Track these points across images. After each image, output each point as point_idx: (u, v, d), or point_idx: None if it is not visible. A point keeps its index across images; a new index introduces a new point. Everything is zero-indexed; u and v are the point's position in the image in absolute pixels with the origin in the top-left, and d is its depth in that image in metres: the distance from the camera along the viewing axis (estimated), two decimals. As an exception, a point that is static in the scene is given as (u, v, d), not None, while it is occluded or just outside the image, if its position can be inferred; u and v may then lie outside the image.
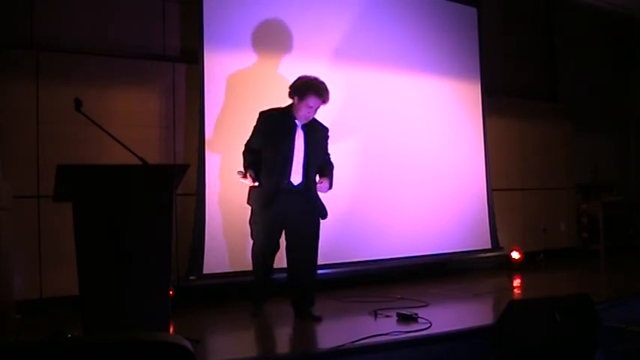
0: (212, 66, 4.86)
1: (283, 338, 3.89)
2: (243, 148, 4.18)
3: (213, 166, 4.81)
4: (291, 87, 4.08)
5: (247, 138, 4.18)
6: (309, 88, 3.98)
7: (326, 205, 5.01)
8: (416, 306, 4.26)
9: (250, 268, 4.72)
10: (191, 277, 4.63)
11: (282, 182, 3.98)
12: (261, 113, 4.12)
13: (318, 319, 3.99)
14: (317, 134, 4.17)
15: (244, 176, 3.96)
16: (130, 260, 2.96)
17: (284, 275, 4.20)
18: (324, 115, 5.13)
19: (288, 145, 4.00)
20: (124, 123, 4.51)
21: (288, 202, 3.98)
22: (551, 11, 7.76)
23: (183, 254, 4.69)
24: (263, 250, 4.11)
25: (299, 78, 4.10)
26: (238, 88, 4.98)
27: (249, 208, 4.17)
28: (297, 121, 4.04)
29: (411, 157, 5.93)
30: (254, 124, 4.15)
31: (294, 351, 3.51)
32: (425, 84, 6.11)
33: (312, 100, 3.98)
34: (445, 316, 4.12)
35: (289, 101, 4.13)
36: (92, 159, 4.14)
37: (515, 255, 6.51)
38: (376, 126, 5.71)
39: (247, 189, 4.12)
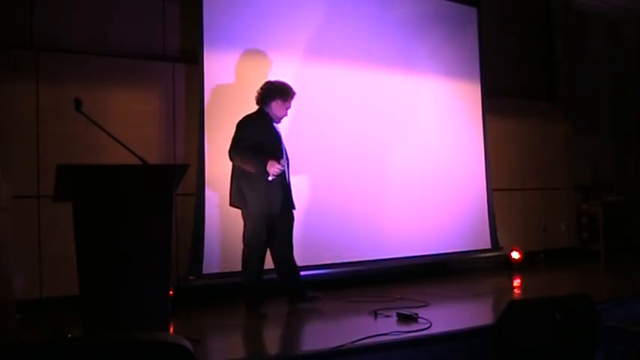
0: (212, 66, 4.86)
1: (283, 338, 3.89)
2: (234, 153, 4.23)
3: (213, 166, 4.80)
4: (270, 90, 4.37)
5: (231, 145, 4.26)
6: (290, 92, 4.40)
7: (326, 205, 5.06)
8: (416, 306, 4.25)
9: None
10: (191, 277, 4.63)
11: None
12: (244, 120, 4.33)
13: (318, 298, 4.44)
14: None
15: (279, 166, 4.15)
16: (130, 260, 2.96)
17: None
18: (326, 115, 5.16)
19: (276, 139, 4.34)
20: (124, 123, 4.51)
21: (277, 192, 4.27)
22: (551, 11, 7.76)
23: (183, 254, 4.69)
24: (259, 246, 4.26)
25: (274, 82, 4.43)
26: (238, 88, 4.98)
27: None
28: (275, 122, 4.38)
29: (411, 156, 5.93)
30: (236, 132, 4.29)
31: (294, 351, 3.51)
32: (425, 84, 6.11)
33: (291, 102, 4.42)
34: (445, 316, 4.12)
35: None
36: (92, 159, 4.14)
37: (515, 255, 6.51)
38: (376, 126, 5.71)
39: (242, 186, 4.24)
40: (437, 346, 3.42)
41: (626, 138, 8.38)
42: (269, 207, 4.24)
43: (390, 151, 5.78)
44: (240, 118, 4.37)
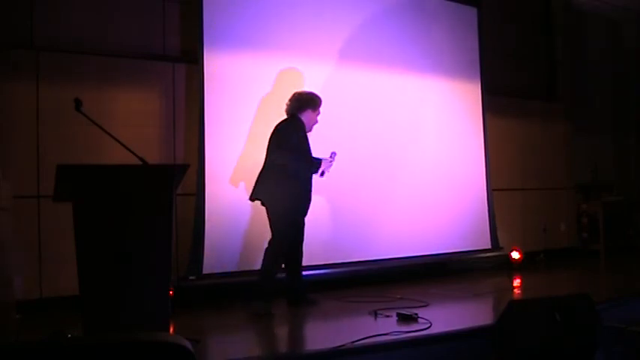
0: (212, 66, 4.86)
1: (283, 338, 3.89)
2: (281, 153, 4.28)
3: (213, 166, 4.80)
4: (299, 101, 4.46)
5: (280, 145, 4.33)
6: (318, 101, 4.51)
7: (326, 205, 5.07)
8: (416, 306, 4.25)
9: (251, 268, 4.74)
10: (191, 277, 4.63)
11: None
12: (285, 124, 4.40)
13: (314, 302, 4.49)
14: None
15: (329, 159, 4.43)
16: (130, 260, 2.96)
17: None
18: (325, 115, 5.14)
19: (308, 146, 4.46)
20: (124, 123, 4.51)
21: (309, 196, 4.44)
22: (551, 11, 7.76)
23: (183, 254, 4.69)
24: (286, 245, 4.34)
25: (302, 93, 4.51)
26: (238, 88, 4.98)
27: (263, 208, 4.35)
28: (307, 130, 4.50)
29: (411, 156, 5.93)
30: (279, 134, 4.35)
31: (294, 351, 3.51)
32: (425, 84, 6.11)
33: (319, 109, 4.53)
34: (445, 316, 4.12)
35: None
36: (92, 159, 4.14)
37: (515, 255, 6.51)
38: (376, 126, 5.71)
39: (274, 185, 4.29)
40: (437, 346, 3.42)
41: (626, 138, 8.38)
42: (303, 208, 4.38)
43: (389, 150, 5.78)
44: (278, 122, 4.44)
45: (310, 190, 4.43)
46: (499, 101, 6.86)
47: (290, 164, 4.28)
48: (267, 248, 4.30)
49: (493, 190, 6.55)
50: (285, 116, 4.50)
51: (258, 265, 4.86)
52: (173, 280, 4.15)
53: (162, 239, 3.10)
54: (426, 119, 6.09)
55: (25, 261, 4.22)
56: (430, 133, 6.11)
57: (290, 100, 4.51)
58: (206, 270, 4.70)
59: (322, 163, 4.39)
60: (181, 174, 3.27)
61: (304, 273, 4.84)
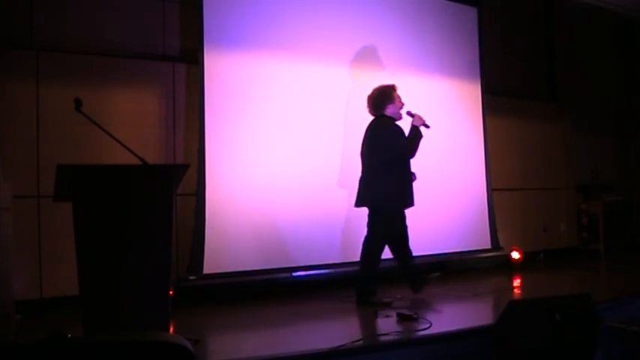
0: (212, 66, 4.86)
1: (283, 338, 3.88)
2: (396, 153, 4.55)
3: (213, 166, 4.80)
4: (374, 101, 4.65)
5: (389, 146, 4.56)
6: (391, 90, 4.67)
7: (327, 205, 5.04)
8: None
9: (251, 268, 4.75)
10: (191, 277, 4.63)
11: None
12: (390, 123, 4.61)
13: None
14: None
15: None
16: (130, 260, 2.96)
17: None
18: (326, 115, 5.15)
19: (402, 132, 4.66)
20: (124, 123, 4.51)
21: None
22: (551, 11, 7.76)
23: (183, 254, 4.69)
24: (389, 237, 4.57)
25: (372, 93, 4.69)
26: (238, 88, 4.98)
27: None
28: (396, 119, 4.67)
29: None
30: (386, 138, 4.56)
31: (293, 351, 3.50)
32: (425, 84, 6.11)
33: (398, 94, 4.68)
34: (445, 316, 4.12)
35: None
36: (92, 159, 4.14)
37: (515, 255, 6.51)
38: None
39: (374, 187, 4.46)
40: (437, 346, 3.42)
41: (626, 138, 8.38)
42: (407, 199, 4.58)
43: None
44: (369, 125, 4.64)
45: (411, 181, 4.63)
46: (499, 101, 6.86)
47: (403, 153, 4.54)
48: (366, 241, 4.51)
49: (493, 190, 6.55)
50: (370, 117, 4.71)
51: (258, 265, 4.88)
52: (173, 280, 4.15)
53: (162, 239, 3.09)
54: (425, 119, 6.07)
55: (25, 261, 4.23)
56: (430, 133, 6.09)
57: (367, 105, 4.69)
58: (206, 270, 4.70)
59: (415, 120, 4.63)
60: (181, 174, 3.27)
61: (304, 273, 4.86)
